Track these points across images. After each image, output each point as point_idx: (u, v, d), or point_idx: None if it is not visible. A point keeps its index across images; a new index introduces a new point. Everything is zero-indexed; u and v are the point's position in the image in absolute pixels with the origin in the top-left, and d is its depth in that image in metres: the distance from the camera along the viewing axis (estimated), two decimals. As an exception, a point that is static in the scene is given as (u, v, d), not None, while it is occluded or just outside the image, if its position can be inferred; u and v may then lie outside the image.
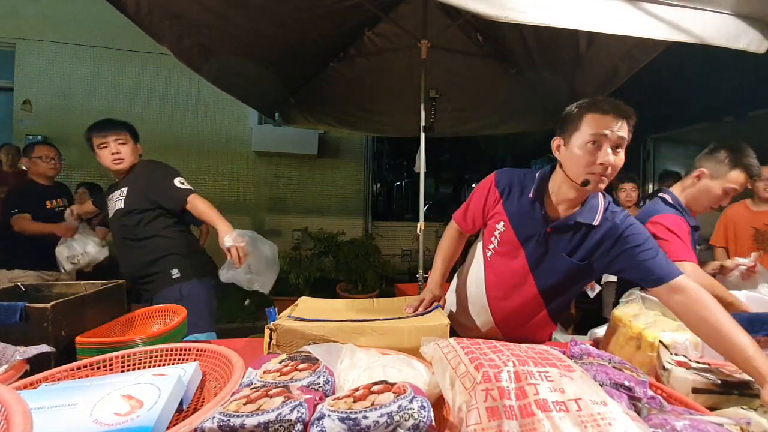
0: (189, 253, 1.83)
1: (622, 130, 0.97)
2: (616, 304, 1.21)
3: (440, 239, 1.42)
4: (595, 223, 1.09)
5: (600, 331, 1.29)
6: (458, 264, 1.47)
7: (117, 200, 1.77)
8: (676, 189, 1.55)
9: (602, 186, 1.03)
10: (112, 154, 1.73)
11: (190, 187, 1.76)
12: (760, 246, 2.35)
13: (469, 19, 2.56)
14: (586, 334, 1.34)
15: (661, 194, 1.56)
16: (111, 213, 1.81)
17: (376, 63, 3.03)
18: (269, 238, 1.73)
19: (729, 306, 1.23)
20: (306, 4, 2.14)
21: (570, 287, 1.22)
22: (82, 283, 1.20)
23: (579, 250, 1.12)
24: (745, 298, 1.29)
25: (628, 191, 3.05)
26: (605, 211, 1.11)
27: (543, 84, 2.94)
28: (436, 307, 1.16)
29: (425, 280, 1.79)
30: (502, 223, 1.21)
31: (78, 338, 0.93)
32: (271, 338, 0.95)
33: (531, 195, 1.13)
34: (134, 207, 1.75)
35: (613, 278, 3.03)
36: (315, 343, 0.83)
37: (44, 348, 0.84)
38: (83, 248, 2.10)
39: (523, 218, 1.17)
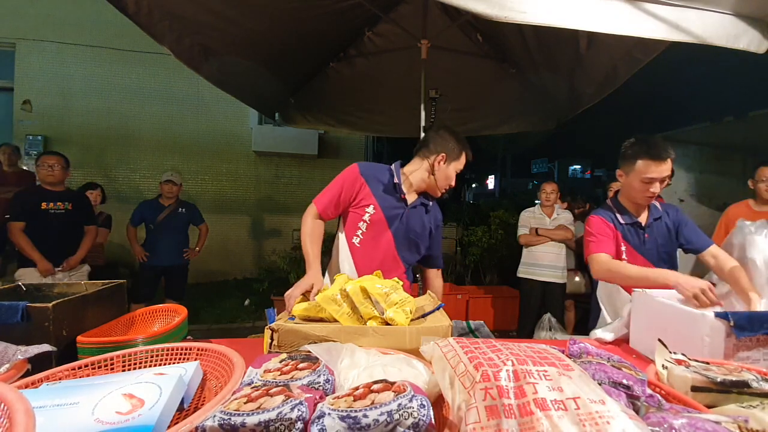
0: None
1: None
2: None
3: (303, 228, 1.45)
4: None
5: (600, 331, 1.30)
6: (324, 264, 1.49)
7: None
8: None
9: None
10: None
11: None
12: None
13: (469, 19, 2.56)
14: (585, 333, 1.35)
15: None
16: None
17: (376, 63, 3.03)
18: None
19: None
20: (306, 5, 2.14)
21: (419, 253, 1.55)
22: (83, 282, 1.20)
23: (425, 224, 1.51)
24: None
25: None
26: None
27: (543, 84, 2.94)
28: (439, 307, 1.16)
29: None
30: (372, 206, 1.43)
31: (79, 338, 0.94)
32: (272, 339, 0.95)
33: (395, 181, 1.44)
34: None
35: None
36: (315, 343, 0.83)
37: (45, 347, 0.84)
38: None
39: (388, 201, 1.44)
